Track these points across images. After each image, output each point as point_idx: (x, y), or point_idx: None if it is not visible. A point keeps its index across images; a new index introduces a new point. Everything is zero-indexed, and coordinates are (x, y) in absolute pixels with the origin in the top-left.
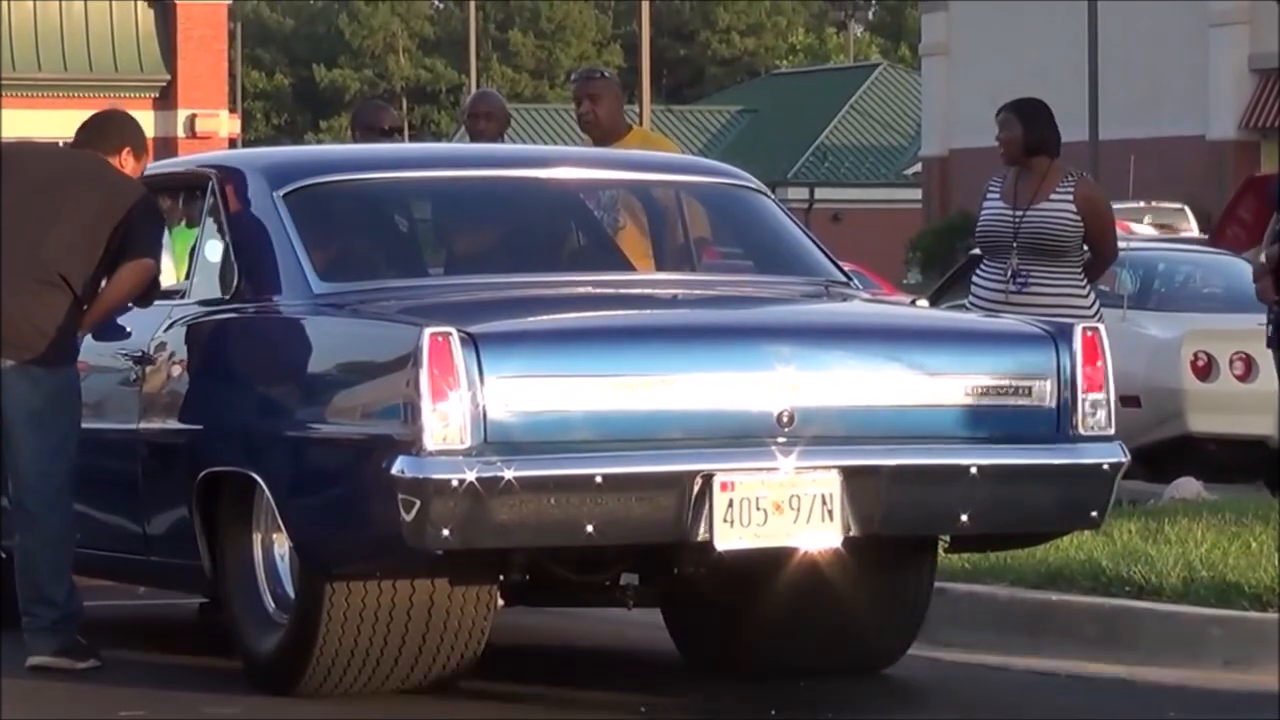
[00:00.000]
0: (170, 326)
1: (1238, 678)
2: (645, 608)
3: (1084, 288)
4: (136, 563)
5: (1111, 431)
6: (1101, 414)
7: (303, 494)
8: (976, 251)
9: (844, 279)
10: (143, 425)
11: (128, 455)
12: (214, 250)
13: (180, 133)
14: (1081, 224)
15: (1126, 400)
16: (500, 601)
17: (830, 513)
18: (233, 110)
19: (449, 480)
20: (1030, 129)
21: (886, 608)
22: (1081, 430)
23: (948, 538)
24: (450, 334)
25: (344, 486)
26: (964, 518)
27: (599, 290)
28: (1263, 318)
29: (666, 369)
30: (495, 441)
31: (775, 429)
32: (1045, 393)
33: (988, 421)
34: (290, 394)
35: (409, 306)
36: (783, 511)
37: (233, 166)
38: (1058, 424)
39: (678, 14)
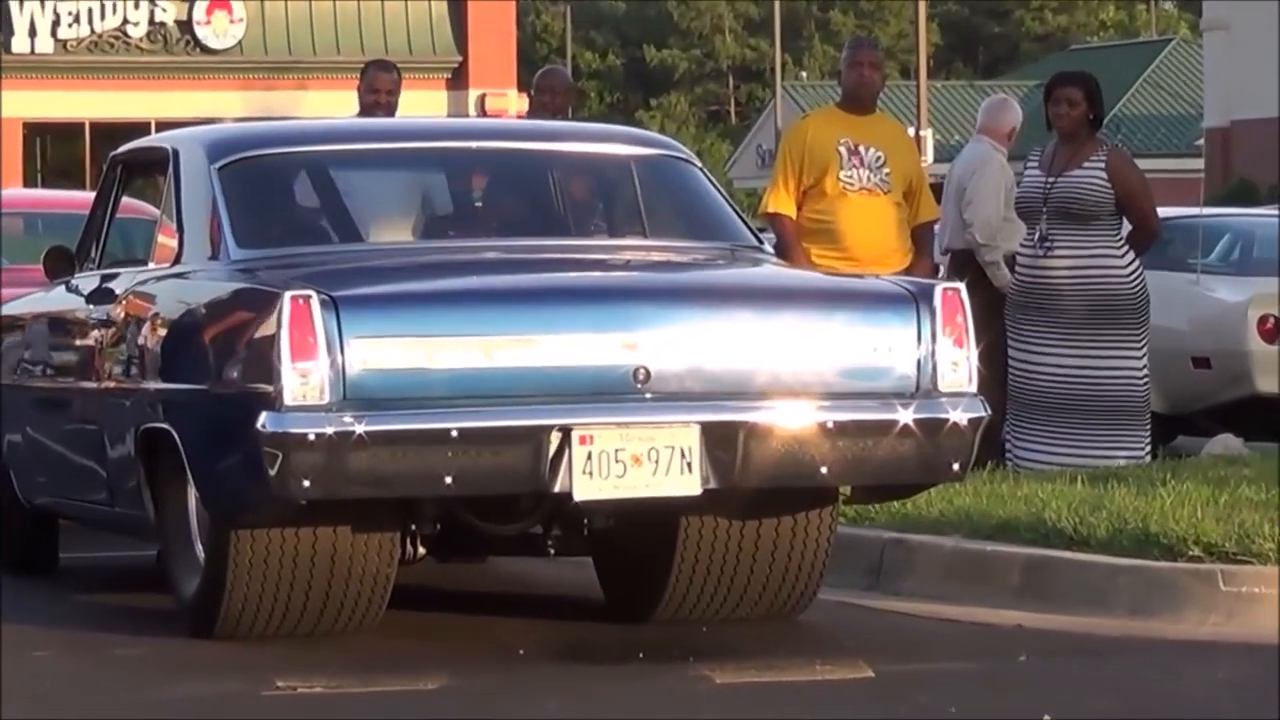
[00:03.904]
0: (129, 288)
1: (1137, 625)
2: (570, 556)
3: (1120, 252)
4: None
5: (972, 389)
6: (961, 371)
7: (201, 448)
8: None
9: (754, 244)
10: (102, 384)
11: (91, 410)
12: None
13: (472, 112)
14: (1111, 191)
15: (1198, 362)
16: (421, 550)
17: (689, 465)
18: (522, 90)
19: (306, 434)
20: (1093, 104)
21: (789, 557)
22: (941, 387)
23: (848, 490)
24: (310, 296)
25: (230, 441)
26: (823, 470)
27: (492, 255)
28: None
29: (523, 329)
30: (355, 398)
31: (631, 385)
32: (905, 350)
33: (847, 377)
34: (195, 354)
35: (300, 272)
36: (641, 464)
37: (183, 142)
38: (917, 381)
39: None
